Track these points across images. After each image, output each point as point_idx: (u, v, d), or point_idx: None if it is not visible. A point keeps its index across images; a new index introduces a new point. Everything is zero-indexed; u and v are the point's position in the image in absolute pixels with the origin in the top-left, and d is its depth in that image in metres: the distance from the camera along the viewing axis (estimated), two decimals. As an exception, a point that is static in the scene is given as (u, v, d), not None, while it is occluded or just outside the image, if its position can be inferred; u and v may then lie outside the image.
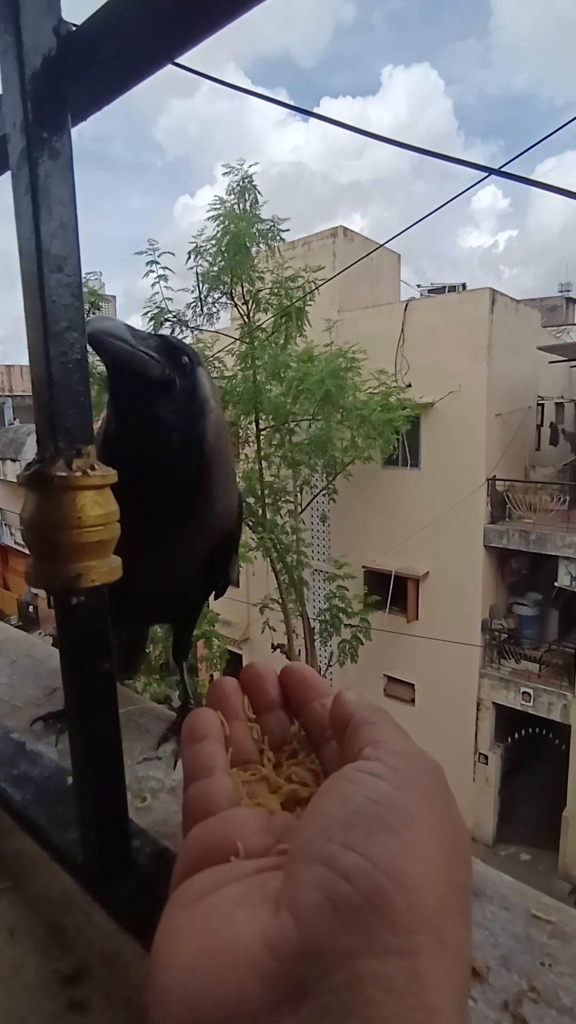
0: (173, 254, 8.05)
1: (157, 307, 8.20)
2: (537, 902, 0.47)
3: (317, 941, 0.20)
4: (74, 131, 0.36)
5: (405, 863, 0.21)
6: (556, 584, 9.06)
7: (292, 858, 0.24)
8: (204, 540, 0.65)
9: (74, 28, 0.34)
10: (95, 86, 0.35)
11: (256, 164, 8.01)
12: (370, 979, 0.19)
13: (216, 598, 0.78)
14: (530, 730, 9.36)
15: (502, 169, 1.84)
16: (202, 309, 8.36)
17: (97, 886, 0.45)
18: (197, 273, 8.02)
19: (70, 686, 0.41)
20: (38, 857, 0.51)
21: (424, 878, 0.21)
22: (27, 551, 0.39)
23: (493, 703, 9.50)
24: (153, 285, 8.06)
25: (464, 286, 14.98)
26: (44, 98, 0.33)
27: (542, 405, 11.53)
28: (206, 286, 8.06)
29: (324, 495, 9.30)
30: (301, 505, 9.10)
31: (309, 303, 7.81)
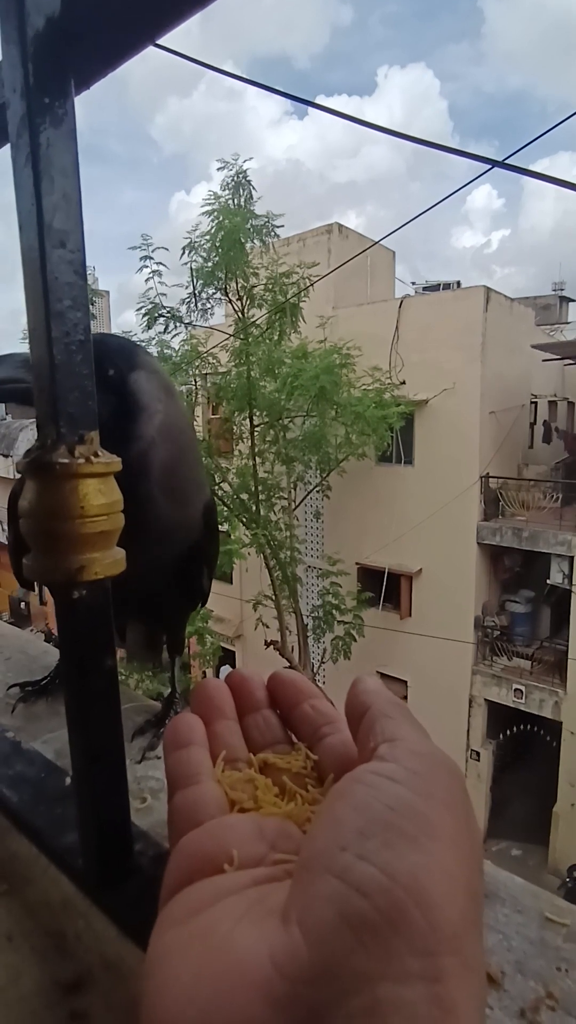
0: (167, 249, 8.02)
1: (151, 303, 8.16)
2: (551, 904, 0.46)
3: (331, 961, 0.18)
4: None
5: (426, 877, 0.20)
6: (548, 581, 9.09)
7: (303, 867, 0.22)
8: (158, 549, 0.62)
9: (78, -13, 0.32)
10: (99, 50, 0.33)
11: (251, 159, 7.98)
12: (391, 1006, 0.17)
13: (193, 608, 0.77)
14: (521, 727, 9.41)
15: (505, 161, 1.83)
16: (196, 305, 8.33)
17: (98, 891, 0.43)
18: (191, 269, 7.98)
19: (70, 683, 0.39)
20: (36, 859, 0.50)
21: (446, 894, 0.20)
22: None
23: (485, 700, 9.54)
24: (147, 280, 8.03)
25: (459, 284, 14.99)
26: (46, 61, 0.31)
27: (535, 403, 11.57)
28: (200, 282, 8.02)
29: (318, 491, 9.29)
30: (295, 501, 9.09)
31: (304, 299, 7.79)
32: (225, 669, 11.56)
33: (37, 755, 0.58)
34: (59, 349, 0.34)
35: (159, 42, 0.38)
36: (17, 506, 0.38)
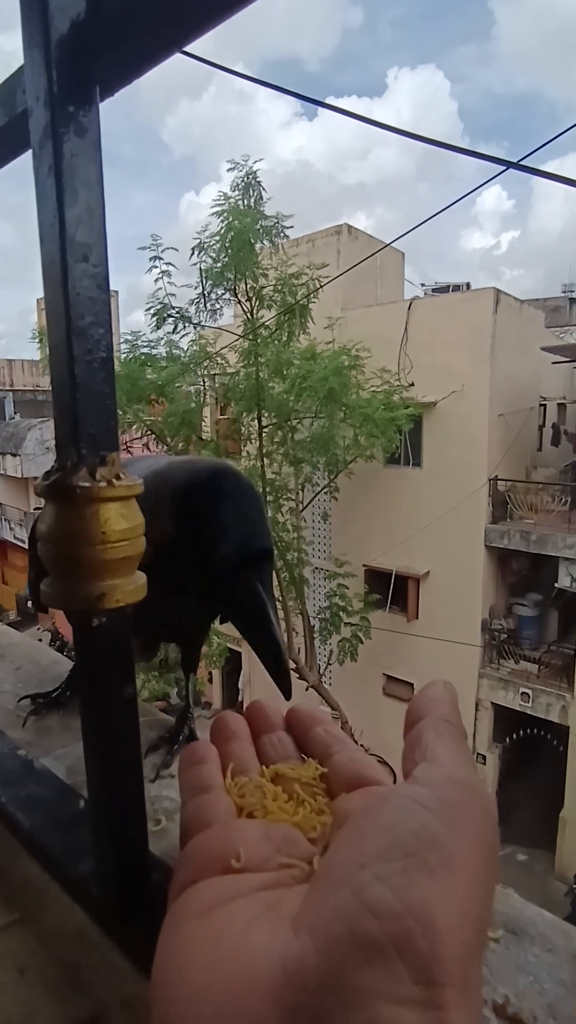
0: (176, 250, 8.02)
1: (160, 303, 8.16)
2: (582, 943, 0.44)
3: (337, 974, 0.19)
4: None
5: (438, 909, 0.20)
6: (556, 585, 9.03)
7: (322, 877, 0.23)
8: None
9: (105, -10, 0.30)
10: (126, 56, 0.32)
11: (261, 160, 7.96)
12: (391, 1023, 0.18)
13: (211, 622, 0.77)
14: (528, 731, 9.35)
15: (520, 163, 1.81)
16: (205, 305, 8.32)
17: (113, 924, 0.42)
18: (201, 269, 7.97)
19: (88, 713, 0.37)
20: (48, 885, 0.48)
21: (456, 929, 0.20)
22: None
23: (492, 703, 9.48)
24: (156, 281, 8.03)
25: (468, 286, 14.93)
26: (71, 67, 0.30)
27: (544, 406, 11.50)
28: (209, 282, 8.02)
29: (325, 493, 9.27)
30: (302, 503, 9.07)
31: (313, 300, 7.77)
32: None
33: (49, 775, 0.57)
34: (81, 367, 0.33)
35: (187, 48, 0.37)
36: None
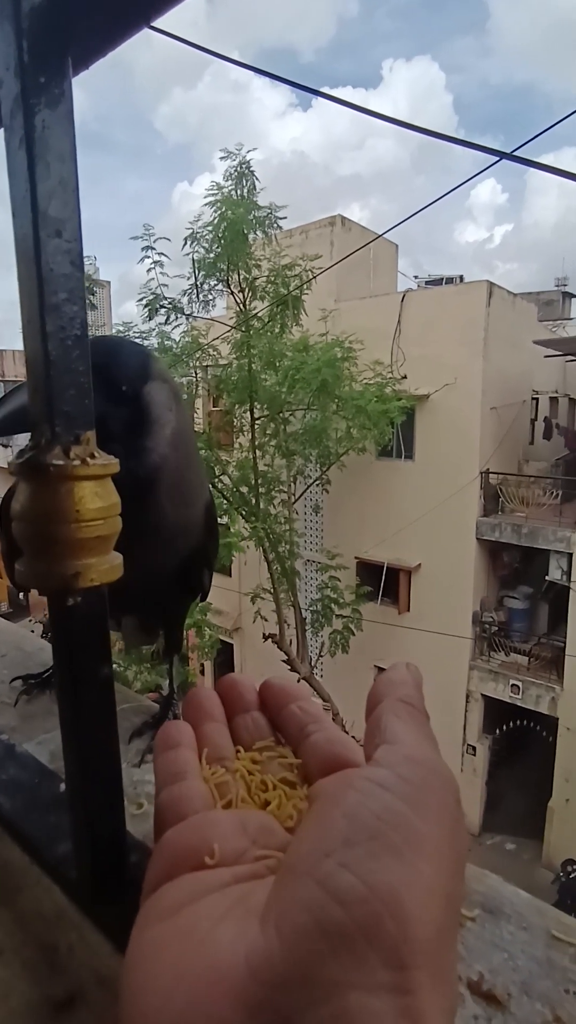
0: (169, 240, 7.97)
1: (152, 293, 8.11)
2: (557, 922, 0.45)
3: (303, 968, 0.18)
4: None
5: (406, 891, 0.20)
6: (547, 578, 9.10)
7: (287, 869, 0.22)
8: (163, 555, 0.63)
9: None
10: (100, 26, 0.31)
11: (255, 149, 7.91)
12: (359, 1015, 0.17)
13: (192, 601, 0.77)
14: (518, 722, 9.45)
15: (513, 153, 1.81)
16: (198, 296, 8.28)
17: (91, 905, 0.42)
18: (193, 259, 7.93)
19: (64, 695, 0.37)
20: (28, 869, 0.48)
21: (425, 909, 0.20)
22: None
23: (482, 695, 9.56)
24: (149, 271, 7.99)
25: (461, 279, 14.92)
26: (43, 36, 0.29)
27: (536, 399, 11.54)
28: (202, 273, 7.97)
29: (318, 485, 9.28)
30: (294, 495, 9.07)
31: (306, 292, 7.74)
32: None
33: (31, 759, 0.57)
34: (54, 344, 0.32)
35: (167, 23, 0.36)
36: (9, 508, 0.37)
